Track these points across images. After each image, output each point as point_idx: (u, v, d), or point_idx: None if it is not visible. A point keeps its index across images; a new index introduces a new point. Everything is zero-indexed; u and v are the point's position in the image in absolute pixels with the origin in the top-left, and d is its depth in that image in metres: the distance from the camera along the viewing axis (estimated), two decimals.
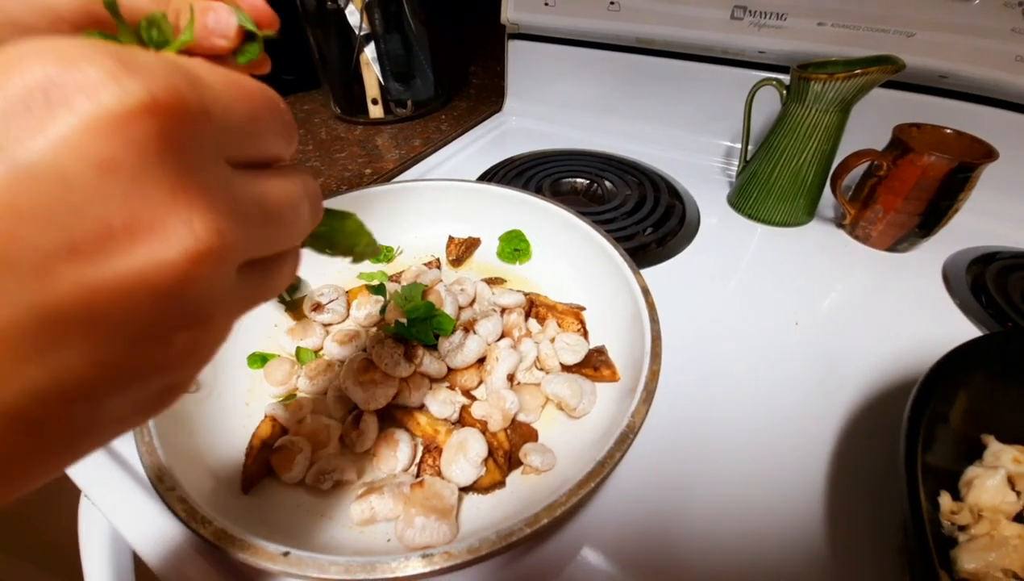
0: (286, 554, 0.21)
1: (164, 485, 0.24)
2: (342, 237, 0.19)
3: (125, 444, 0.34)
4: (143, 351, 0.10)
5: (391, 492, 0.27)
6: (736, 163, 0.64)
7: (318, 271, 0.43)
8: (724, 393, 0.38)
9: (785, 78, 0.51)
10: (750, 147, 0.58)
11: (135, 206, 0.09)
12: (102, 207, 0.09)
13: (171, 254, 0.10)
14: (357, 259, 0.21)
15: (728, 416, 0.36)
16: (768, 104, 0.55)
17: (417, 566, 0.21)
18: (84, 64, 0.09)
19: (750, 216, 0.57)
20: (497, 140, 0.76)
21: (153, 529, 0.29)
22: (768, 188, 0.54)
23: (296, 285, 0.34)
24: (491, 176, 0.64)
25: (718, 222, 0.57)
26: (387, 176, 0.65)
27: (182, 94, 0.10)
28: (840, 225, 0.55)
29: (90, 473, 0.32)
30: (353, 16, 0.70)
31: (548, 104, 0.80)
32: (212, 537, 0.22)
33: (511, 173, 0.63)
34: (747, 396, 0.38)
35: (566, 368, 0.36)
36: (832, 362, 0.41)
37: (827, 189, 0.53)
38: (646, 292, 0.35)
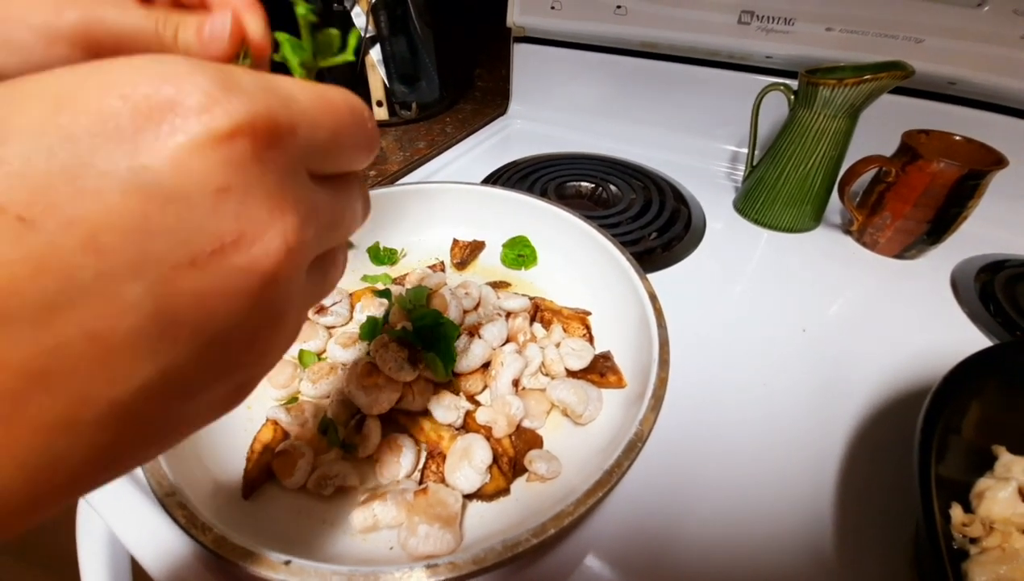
0: (287, 563, 0.21)
1: (163, 490, 0.24)
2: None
3: None
4: (234, 349, 0.12)
5: (394, 499, 0.27)
6: (742, 168, 0.64)
7: None
8: (730, 400, 0.38)
9: (792, 83, 0.51)
10: (756, 152, 0.58)
11: (242, 222, 0.11)
12: (217, 224, 0.10)
13: (268, 260, 0.11)
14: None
15: (735, 423, 0.36)
16: (775, 109, 0.55)
17: (421, 577, 0.21)
18: (189, 85, 0.10)
19: (756, 221, 0.56)
20: (502, 143, 0.76)
21: (152, 535, 0.28)
22: (775, 193, 0.54)
23: None
24: (496, 179, 0.63)
25: (724, 227, 0.56)
26: (391, 178, 0.65)
27: (276, 115, 0.11)
28: (847, 231, 0.55)
29: None
30: (359, 18, 0.70)
31: (553, 107, 0.80)
32: (212, 545, 0.21)
33: (516, 176, 0.63)
34: (754, 403, 0.37)
35: (572, 374, 0.36)
36: (840, 369, 0.40)
37: (834, 195, 0.52)
38: (653, 298, 0.35)
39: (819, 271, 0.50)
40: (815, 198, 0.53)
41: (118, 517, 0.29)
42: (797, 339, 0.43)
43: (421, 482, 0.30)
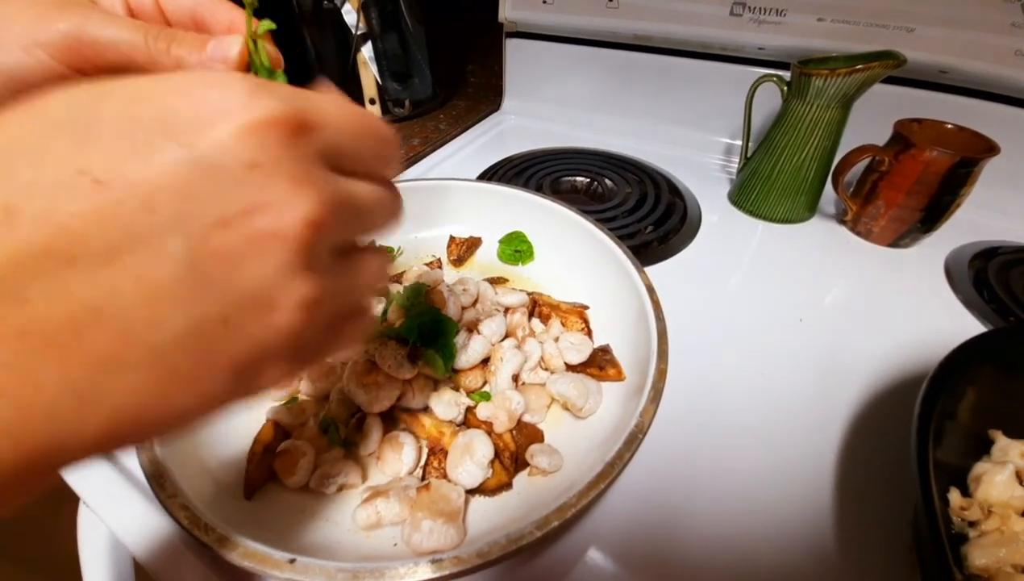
0: (292, 561, 0.21)
1: (166, 492, 0.23)
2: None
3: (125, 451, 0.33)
4: (261, 314, 0.13)
5: (397, 496, 0.27)
6: (736, 160, 0.64)
7: None
8: (729, 390, 0.38)
9: (785, 74, 0.51)
10: (751, 144, 0.58)
11: (268, 192, 0.12)
12: (246, 192, 0.12)
13: (290, 228, 0.13)
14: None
15: (734, 413, 0.36)
16: (768, 101, 0.55)
17: (427, 571, 0.21)
18: (238, 87, 0.13)
19: (751, 213, 0.57)
20: (496, 139, 0.76)
21: (155, 536, 0.28)
22: (769, 185, 0.54)
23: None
24: (490, 175, 0.63)
25: (719, 220, 0.57)
26: None
27: (304, 113, 0.13)
28: (842, 221, 0.55)
29: (90, 480, 0.32)
30: (350, 15, 0.70)
31: (546, 102, 0.79)
32: (216, 544, 0.21)
33: (511, 172, 0.63)
34: (753, 392, 0.38)
35: (571, 368, 0.36)
36: (837, 358, 0.40)
37: (828, 185, 0.53)
38: (651, 290, 0.35)
39: (814, 261, 0.51)
40: (809, 189, 0.53)
41: (121, 520, 0.29)
42: (794, 328, 0.43)
43: (423, 479, 0.30)
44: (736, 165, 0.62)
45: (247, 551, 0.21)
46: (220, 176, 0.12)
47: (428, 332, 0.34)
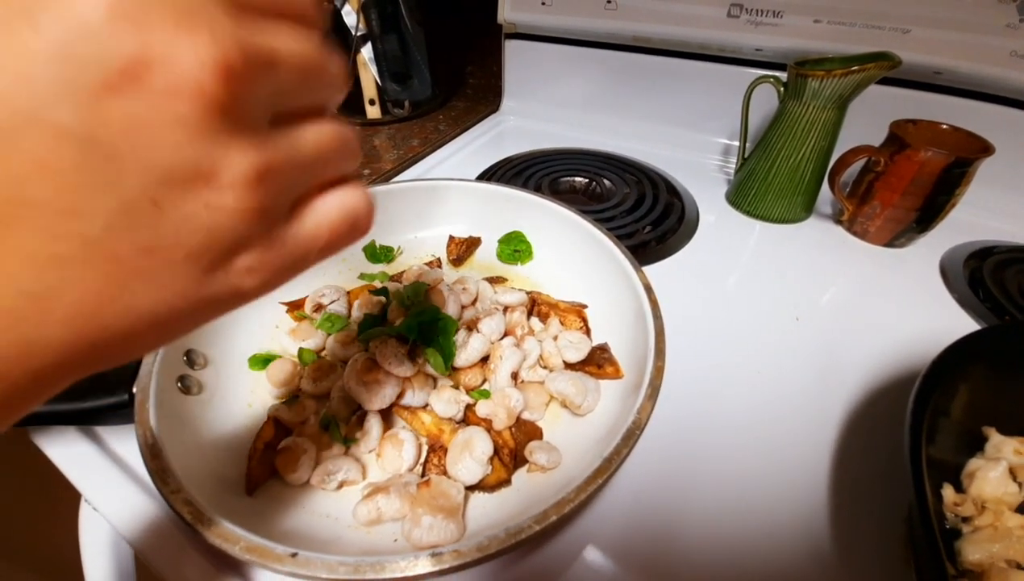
0: (294, 555, 0.21)
1: (169, 488, 0.24)
2: None
3: (126, 446, 0.34)
4: (196, 190, 0.12)
5: (397, 492, 0.27)
6: (734, 161, 0.65)
7: (318, 271, 0.43)
8: (725, 389, 0.38)
9: (782, 75, 0.51)
10: (748, 144, 0.58)
11: (144, 41, 0.11)
12: (118, 46, 0.11)
13: (185, 69, 0.11)
14: None
15: (729, 412, 0.37)
16: (765, 102, 0.55)
17: (426, 565, 0.21)
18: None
19: (748, 213, 0.57)
20: (495, 140, 0.76)
21: (156, 532, 0.28)
22: (766, 185, 0.54)
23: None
24: (490, 176, 0.64)
25: (717, 220, 0.57)
26: (386, 176, 0.65)
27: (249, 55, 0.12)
28: (838, 221, 0.56)
29: (90, 477, 0.32)
30: (350, 17, 0.70)
31: (545, 103, 0.80)
32: (218, 539, 0.22)
33: (509, 172, 0.63)
34: (749, 391, 0.38)
35: (569, 366, 0.36)
36: (832, 356, 0.41)
37: (825, 186, 0.53)
38: (648, 289, 0.36)
39: (811, 261, 0.51)
40: (806, 189, 0.54)
41: (122, 516, 0.30)
42: (790, 327, 0.43)
43: (423, 475, 0.30)
44: (733, 165, 0.63)
45: (250, 545, 0.21)
46: (86, 33, 0.10)
47: (428, 330, 0.34)
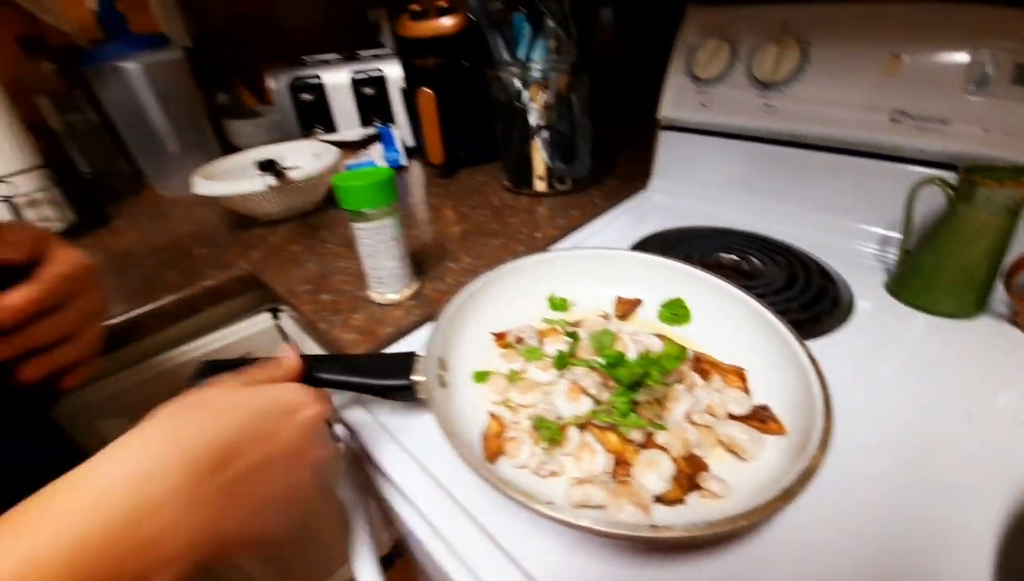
0: (550, 504, 0.30)
1: (475, 462, 0.35)
2: None
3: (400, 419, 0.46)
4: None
5: (602, 485, 0.35)
6: (891, 250, 0.66)
7: (517, 312, 0.55)
8: (880, 474, 0.39)
9: (947, 174, 0.54)
10: (912, 237, 0.60)
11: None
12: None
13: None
14: None
15: (885, 497, 0.37)
16: (928, 194, 0.56)
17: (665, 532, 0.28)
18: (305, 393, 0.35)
19: (912, 304, 0.58)
20: (644, 214, 0.85)
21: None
22: (933, 279, 0.55)
23: None
24: (644, 246, 0.73)
25: (874, 307, 0.58)
26: (551, 241, 0.78)
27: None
28: (1014, 322, 0.54)
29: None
30: (532, 114, 0.87)
31: (692, 184, 0.87)
32: (498, 484, 0.32)
33: (662, 245, 0.72)
34: (907, 483, 0.38)
35: (733, 418, 0.42)
36: (1007, 459, 0.40)
37: (999, 284, 0.53)
38: (813, 360, 0.41)
39: (982, 357, 0.50)
40: (977, 287, 0.54)
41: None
42: (959, 423, 0.43)
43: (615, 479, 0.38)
44: (891, 255, 0.64)
45: (524, 493, 0.31)
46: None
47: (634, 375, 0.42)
